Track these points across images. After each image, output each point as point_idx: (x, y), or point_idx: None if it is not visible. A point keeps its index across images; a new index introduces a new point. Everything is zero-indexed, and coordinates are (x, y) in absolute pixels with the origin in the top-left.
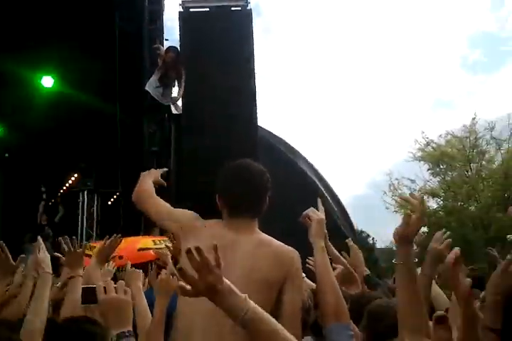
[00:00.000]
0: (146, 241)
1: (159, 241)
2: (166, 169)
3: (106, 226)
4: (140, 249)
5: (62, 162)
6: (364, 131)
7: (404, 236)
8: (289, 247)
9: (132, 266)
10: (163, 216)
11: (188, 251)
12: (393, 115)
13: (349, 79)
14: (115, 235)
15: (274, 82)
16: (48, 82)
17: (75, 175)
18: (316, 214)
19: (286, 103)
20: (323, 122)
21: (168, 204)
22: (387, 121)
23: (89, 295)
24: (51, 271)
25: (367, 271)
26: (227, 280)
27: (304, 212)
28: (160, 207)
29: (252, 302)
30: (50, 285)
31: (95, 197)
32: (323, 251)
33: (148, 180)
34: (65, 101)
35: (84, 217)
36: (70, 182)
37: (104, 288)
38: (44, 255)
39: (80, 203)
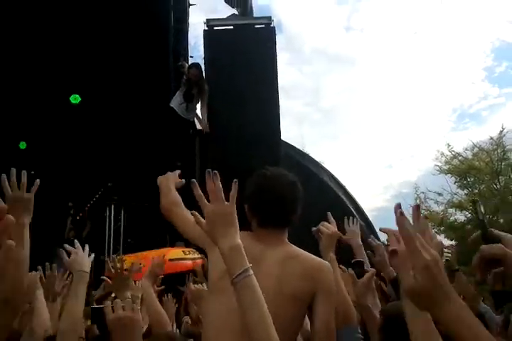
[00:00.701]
0: (175, 252)
1: (189, 251)
2: (178, 171)
3: (132, 240)
4: (171, 260)
5: (90, 178)
6: (388, 141)
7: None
8: (320, 260)
9: (164, 276)
10: (191, 228)
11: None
12: (417, 126)
13: (372, 90)
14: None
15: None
16: (75, 99)
17: (102, 189)
18: (327, 227)
19: (306, 114)
20: (346, 133)
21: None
22: (411, 132)
23: (97, 315)
24: (88, 270)
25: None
26: (238, 240)
27: (315, 228)
28: (188, 219)
29: (251, 270)
30: (85, 283)
31: (121, 211)
32: (331, 262)
33: (171, 185)
34: (93, 118)
35: (112, 231)
36: (97, 195)
37: (112, 307)
38: (76, 256)
39: (107, 217)
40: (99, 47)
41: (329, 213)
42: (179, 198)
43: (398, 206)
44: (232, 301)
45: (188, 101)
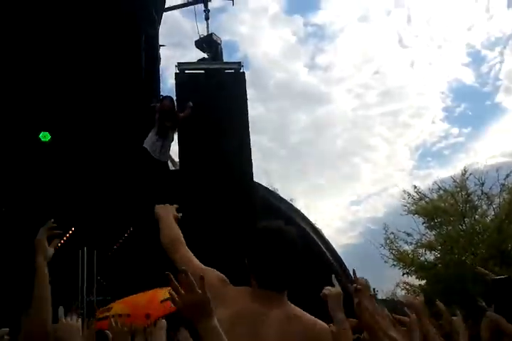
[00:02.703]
0: (165, 292)
1: None
2: (176, 206)
3: (105, 282)
4: (163, 301)
5: (59, 220)
6: (354, 178)
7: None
8: (320, 322)
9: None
10: (193, 273)
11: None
12: (382, 163)
13: (338, 126)
14: None
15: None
16: (44, 137)
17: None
18: (330, 290)
19: (272, 149)
20: (313, 169)
21: (194, 257)
22: (376, 168)
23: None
24: None
25: None
26: (214, 323)
27: (321, 293)
28: (189, 261)
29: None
30: None
31: (94, 254)
32: (342, 323)
33: (171, 217)
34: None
35: (85, 274)
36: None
37: None
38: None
39: (79, 260)
40: (71, 84)
41: (333, 276)
42: (179, 232)
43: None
44: None
45: (163, 136)
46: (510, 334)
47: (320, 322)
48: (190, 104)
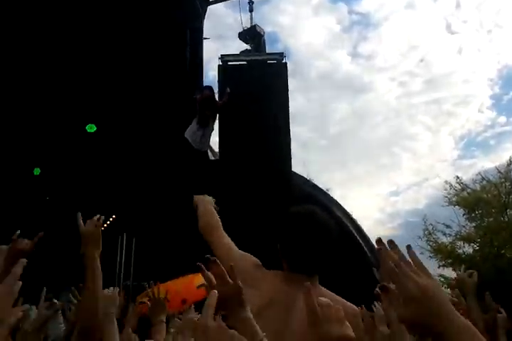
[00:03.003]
0: (201, 277)
1: None
2: (214, 199)
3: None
4: (199, 286)
5: (100, 207)
6: (395, 169)
7: None
8: (353, 306)
9: (197, 304)
10: (224, 256)
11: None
12: (425, 153)
13: (379, 116)
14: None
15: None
16: (91, 128)
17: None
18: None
19: (312, 140)
20: (352, 160)
21: (232, 243)
22: (418, 159)
23: None
24: None
25: None
26: (248, 314)
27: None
28: (223, 244)
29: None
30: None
31: (133, 241)
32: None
33: (211, 207)
34: (108, 148)
35: (123, 260)
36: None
37: None
38: None
39: (118, 246)
40: (118, 77)
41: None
42: (218, 219)
43: (379, 241)
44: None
45: (204, 125)
46: None
47: (350, 304)
48: (228, 90)
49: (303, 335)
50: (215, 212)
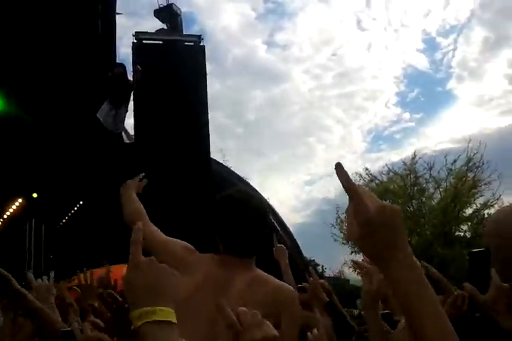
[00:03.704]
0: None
1: None
2: (142, 175)
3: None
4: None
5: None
6: (309, 158)
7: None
8: (287, 286)
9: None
10: (156, 245)
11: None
12: (335, 144)
13: (295, 105)
14: None
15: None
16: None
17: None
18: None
19: (228, 127)
20: (268, 148)
21: (160, 232)
22: (330, 149)
23: (67, 337)
24: None
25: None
26: None
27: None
28: (154, 235)
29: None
30: None
31: (42, 227)
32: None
33: (132, 194)
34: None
35: (32, 246)
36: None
37: (81, 329)
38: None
39: (27, 232)
40: (22, 52)
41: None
42: (141, 209)
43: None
44: None
45: (116, 106)
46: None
47: (284, 285)
48: (139, 67)
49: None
50: (134, 197)
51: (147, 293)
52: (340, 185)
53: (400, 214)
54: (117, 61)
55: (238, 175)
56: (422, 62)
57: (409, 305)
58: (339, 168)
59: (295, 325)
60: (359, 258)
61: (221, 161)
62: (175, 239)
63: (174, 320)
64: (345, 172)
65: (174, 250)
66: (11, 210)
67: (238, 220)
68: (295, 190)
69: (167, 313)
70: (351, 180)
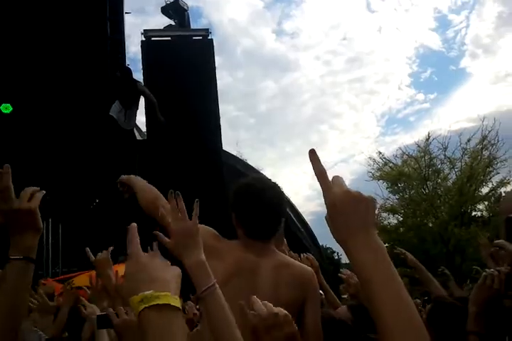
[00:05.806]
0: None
1: None
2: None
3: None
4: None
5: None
6: (322, 145)
7: None
8: (307, 267)
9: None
10: None
11: None
12: (349, 130)
13: (306, 94)
14: None
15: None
16: (6, 108)
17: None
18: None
19: (240, 118)
20: (281, 138)
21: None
22: (343, 136)
23: (103, 321)
24: None
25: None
26: (203, 257)
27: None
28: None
29: (218, 288)
30: None
31: (59, 225)
32: None
33: (142, 181)
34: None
35: (50, 245)
36: None
37: (116, 313)
38: None
39: (44, 231)
40: (34, 55)
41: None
42: (157, 191)
43: (312, 150)
44: None
45: (126, 106)
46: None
47: (305, 267)
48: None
49: (272, 297)
50: (149, 184)
51: (148, 282)
52: (355, 171)
53: (369, 201)
54: (127, 59)
55: (251, 166)
56: (435, 41)
57: (367, 289)
58: (312, 155)
59: (318, 302)
60: None
61: (234, 153)
62: (204, 226)
63: (178, 305)
64: (318, 160)
65: (203, 236)
66: None
67: (260, 205)
68: (308, 179)
69: (170, 298)
70: (323, 167)
